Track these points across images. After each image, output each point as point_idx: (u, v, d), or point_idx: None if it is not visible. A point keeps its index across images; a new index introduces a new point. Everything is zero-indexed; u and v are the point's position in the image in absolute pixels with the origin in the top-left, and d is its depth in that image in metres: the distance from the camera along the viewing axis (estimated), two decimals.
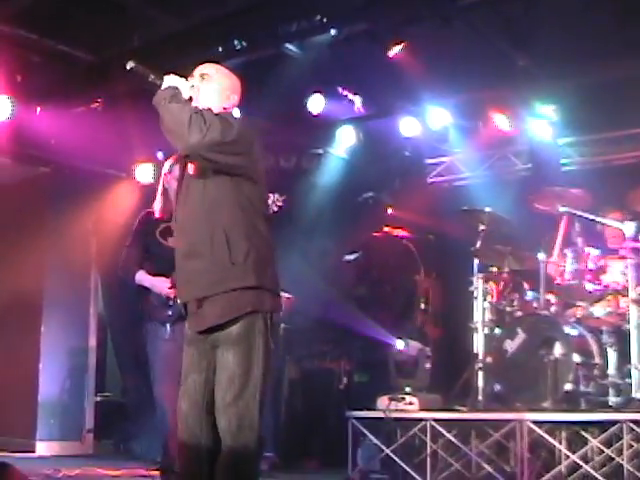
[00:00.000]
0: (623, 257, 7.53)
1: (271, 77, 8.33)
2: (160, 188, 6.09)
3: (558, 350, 7.30)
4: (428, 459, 7.44)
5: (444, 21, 7.41)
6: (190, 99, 4.17)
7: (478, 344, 8.09)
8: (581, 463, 6.75)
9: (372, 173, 10.85)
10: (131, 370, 10.62)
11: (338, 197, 10.59)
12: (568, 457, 6.83)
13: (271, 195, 6.06)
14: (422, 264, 10.07)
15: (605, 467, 6.80)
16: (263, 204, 4.32)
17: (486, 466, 7.17)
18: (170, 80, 4.17)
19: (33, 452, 9.50)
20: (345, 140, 10.33)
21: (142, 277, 6.27)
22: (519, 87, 8.92)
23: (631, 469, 6.43)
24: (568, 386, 7.24)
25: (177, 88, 4.13)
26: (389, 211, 10.78)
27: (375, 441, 7.73)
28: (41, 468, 7.65)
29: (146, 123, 8.58)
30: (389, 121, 9.93)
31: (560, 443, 6.94)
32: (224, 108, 4.31)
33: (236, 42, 7.88)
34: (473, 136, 10.01)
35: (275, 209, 6.01)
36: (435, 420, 7.46)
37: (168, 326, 6.15)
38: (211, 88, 4.29)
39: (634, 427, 6.45)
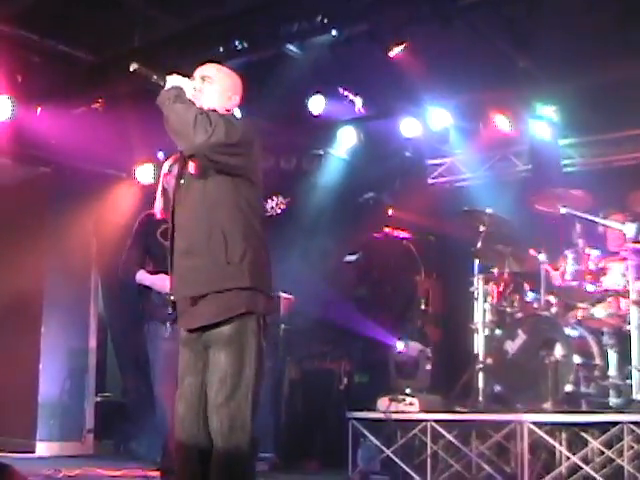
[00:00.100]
0: (624, 259, 7.52)
1: (272, 77, 8.33)
2: (160, 189, 6.10)
3: (559, 351, 7.30)
4: (428, 460, 7.44)
5: (445, 22, 7.40)
6: (192, 101, 4.17)
7: (478, 345, 8.09)
8: (581, 464, 6.74)
9: (373, 174, 10.84)
10: (131, 370, 10.62)
11: (339, 198, 10.59)
12: (568, 458, 6.83)
13: (274, 197, 6.06)
14: (423, 265, 10.07)
15: (605, 468, 6.78)
16: (260, 205, 4.32)
17: (486, 467, 7.17)
18: (173, 80, 4.18)
19: (33, 452, 9.50)
20: (346, 141, 10.33)
21: (142, 276, 6.26)
22: (520, 88, 8.91)
23: (632, 470, 6.43)
24: (568, 387, 7.24)
25: (181, 88, 4.14)
26: (390, 212, 10.78)
27: (375, 442, 7.73)
28: (41, 468, 7.65)
29: (146, 123, 8.62)
30: (390, 122, 9.93)
31: (560, 444, 6.94)
32: (226, 109, 4.32)
33: (237, 42, 7.87)
34: (474, 137, 10.00)
35: (278, 211, 6.00)
36: (435, 421, 7.46)
37: (168, 325, 6.13)
38: (213, 90, 4.30)
39: (635, 428, 6.45)
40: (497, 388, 7.83)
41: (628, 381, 7.26)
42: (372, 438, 7.75)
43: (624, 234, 7.62)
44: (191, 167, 4.24)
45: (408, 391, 8.05)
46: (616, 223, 7.71)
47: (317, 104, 9.24)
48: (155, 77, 4.21)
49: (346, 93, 9.30)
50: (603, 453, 6.75)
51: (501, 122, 9.47)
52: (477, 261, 8.28)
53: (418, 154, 10.87)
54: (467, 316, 8.28)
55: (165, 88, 4.15)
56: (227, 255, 4.05)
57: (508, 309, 8.10)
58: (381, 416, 7.79)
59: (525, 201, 8.64)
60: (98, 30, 8.09)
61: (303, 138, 10.53)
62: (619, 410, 7.07)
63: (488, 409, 7.67)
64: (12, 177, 10.24)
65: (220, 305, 4.07)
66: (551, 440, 6.90)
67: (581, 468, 6.75)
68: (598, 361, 7.51)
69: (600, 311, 7.59)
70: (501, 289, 8.21)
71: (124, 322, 10.58)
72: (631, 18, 7.45)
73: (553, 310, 7.83)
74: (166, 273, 6.00)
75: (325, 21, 7.64)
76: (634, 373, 7.11)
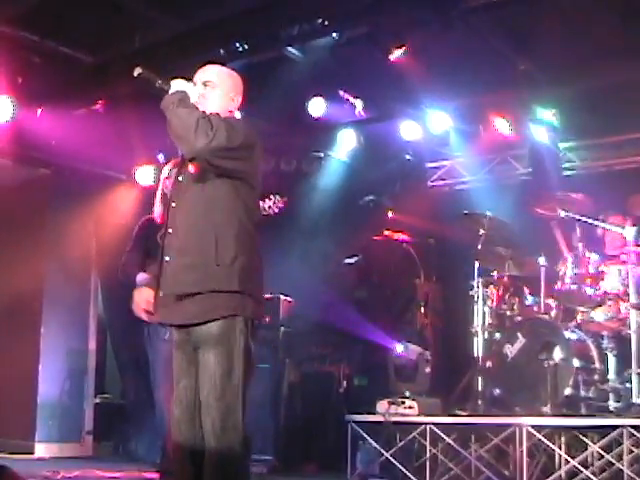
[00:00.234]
0: (623, 262, 7.52)
1: (272, 80, 8.33)
2: (159, 193, 6.10)
3: (558, 355, 7.30)
4: (427, 463, 7.44)
5: (445, 25, 7.41)
6: (196, 106, 4.18)
7: (478, 348, 8.10)
8: (581, 468, 6.74)
9: (373, 176, 10.84)
10: (131, 372, 10.61)
11: (339, 200, 10.59)
12: (568, 462, 6.82)
13: (271, 197, 6.05)
14: (422, 268, 10.06)
15: (605, 472, 6.78)
16: (257, 210, 4.32)
17: (485, 470, 7.17)
18: (177, 85, 4.18)
19: (32, 454, 9.48)
20: (346, 143, 10.34)
21: (143, 278, 6.27)
22: (520, 91, 8.92)
23: (631, 474, 6.43)
24: (568, 391, 7.24)
25: (185, 92, 4.14)
26: (389, 215, 10.76)
27: (374, 445, 7.73)
28: (40, 470, 7.64)
29: (147, 125, 8.61)
30: (390, 125, 9.93)
31: (560, 448, 6.94)
32: (229, 111, 4.33)
33: (237, 44, 7.88)
34: (474, 140, 10.00)
35: (276, 210, 6.00)
36: (434, 424, 7.46)
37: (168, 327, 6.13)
38: (216, 94, 4.32)
39: (634, 432, 6.45)
40: (496, 391, 7.82)
41: (627, 385, 7.25)
42: (371, 441, 7.75)
43: (623, 237, 7.63)
44: (191, 168, 4.25)
45: (407, 394, 8.05)
46: (616, 227, 7.71)
47: (317, 106, 9.25)
48: (159, 82, 4.21)
49: (346, 96, 9.31)
50: (602, 457, 6.75)
51: (501, 125, 9.47)
52: (477, 264, 8.29)
53: (418, 157, 10.87)
54: (467, 319, 8.28)
55: (169, 93, 4.15)
56: (217, 257, 4.05)
57: (508, 312, 8.11)
58: (380, 419, 7.79)
59: (525, 204, 8.65)
60: (99, 32, 8.10)
61: (303, 140, 10.53)
62: (618, 414, 7.07)
63: (487, 412, 7.67)
64: (12, 178, 10.23)
65: (205, 306, 4.07)
66: (550, 444, 6.90)
67: (580, 472, 6.74)
68: (597, 365, 7.51)
69: (600, 315, 7.58)
70: (501, 292, 8.22)
71: (124, 324, 10.56)
72: (631, 21, 7.46)
73: (553, 313, 7.84)
74: None
75: (325, 24, 7.64)
76: (634, 377, 7.11)
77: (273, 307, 9.22)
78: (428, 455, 7.45)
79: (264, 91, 8.17)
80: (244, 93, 4.47)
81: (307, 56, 8.25)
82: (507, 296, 8.20)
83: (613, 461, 6.64)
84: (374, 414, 7.90)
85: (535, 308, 7.98)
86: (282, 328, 9.34)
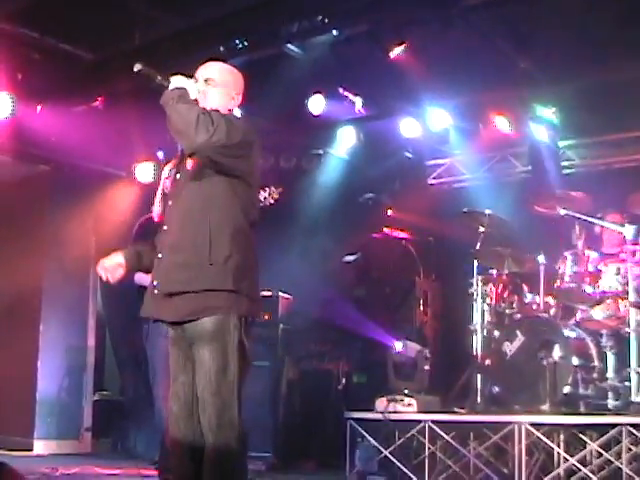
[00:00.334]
0: (623, 260, 7.52)
1: (272, 77, 8.32)
2: (159, 193, 6.09)
3: (557, 353, 7.30)
4: (426, 461, 7.44)
5: (445, 22, 7.41)
6: (196, 101, 4.17)
7: (477, 346, 8.10)
8: (579, 466, 6.74)
9: (372, 174, 10.84)
10: (129, 369, 10.62)
11: (338, 198, 10.58)
12: (566, 460, 6.82)
13: (267, 188, 6.05)
14: (421, 266, 10.07)
15: (603, 470, 6.79)
16: (253, 208, 4.29)
17: (484, 468, 7.18)
18: (177, 81, 4.18)
19: (31, 451, 9.49)
20: (345, 141, 10.33)
21: (141, 277, 6.26)
22: (520, 89, 8.92)
23: (630, 473, 6.43)
24: (567, 389, 7.24)
25: (185, 89, 4.14)
26: (389, 212, 10.78)
27: (373, 442, 7.73)
28: (39, 467, 7.65)
29: (146, 122, 8.62)
30: (389, 122, 9.92)
31: (558, 446, 6.93)
32: (228, 110, 4.32)
33: (237, 42, 7.87)
34: (473, 138, 10.00)
35: (271, 201, 6.00)
36: (433, 422, 7.46)
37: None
38: (216, 92, 4.31)
39: (633, 430, 6.45)
40: (495, 389, 7.83)
41: (626, 383, 7.26)
42: (370, 438, 7.75)
43: (620, 236, 7.63)
44: (189, 163, 4.24)
45: (406, 392, 8.05)
46: (615, 225, 7.71)
47: (317, 104, 9.24)
48: (159, 78, 4.21)
49: (346, 93, 9.30)
50: (601, 455, 6.76)
51: (501, 123, 9.47)
52: (476, 262, 8.29)
53: (418, 155, 10.88)
54: (466, 317, 8.29)
55: (169, 89, 4.15)
56: (211, 256, 4.04)
57: (507, 310, 8.11)
58: (379, 416, 7.79)
59: (525, 203, 8.65)
60: (99, 28, 8.08)
61: (303, 138, 10.53)
62: (617, 412, 7.07)
63: (486, 410, 7.68)
64: (12, 175, 10.23)
65: (198, 304, 4.06)
66: (549, 442, 6.90)
67: (579, 470, 6.75)
68: (597, 363, 7.51)
69: (599, 313, 7.59)
70: (500, 290, 8.22)
71: (123, 320, 10.58)
72: (631, 19, 7.45)
73: (552, 311, 7.85)
74: None
75: (326, 21, 7.64)
76: (632, 375, 7.11)
77: (272, 304, 9.22)
78: (427, 453, 7.45)
79: (264, 88, 8.16)
80: (245, 90, 4.46)
81: (307, 53, 8.25)
82: (506, 294, 8.20)
83: (612, 459, 6.64)
84: (373, 411, 7.90)
85: (534, 306, 7.99)
86: (281, 325, 9.34)
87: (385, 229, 10.49)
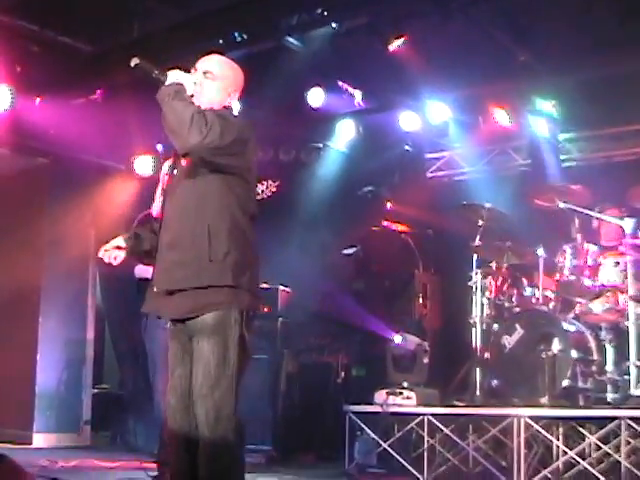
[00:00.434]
0: (621, 254, 7.52)
1: (271, 70, 8.31)
2: (159, 189, 6.08)
3: (556, 346, 7.30)
4: (425, 454, 7.44)
5: (444, 15, 7.39)
6: (192, 95, 4.15)
7: (476, 339, 8.09)
8: (578, 459, 6.74)
9: (371, 167, 10.83)
10: (129, 362, 10.62)
11: (337, 191, 10.58)
12: (565, 453, 6.82)
13: (264, 182, 6.05)
14: (421, 259, 10.07)
15: (602, 464, 6.78)
16: (251, 203, 4.28)
17: (483, 461, 7.17)
18: (174, 76, 4.14)
19: (30, 444, 9.50)
20: (345, 134, 10.33)
21: (141, 270, 6.27)
22: (519, 82, 8.91)
23: (628, 466, 6.43)
24: (566, 382, 7.24)
25: (181, 84, 4.11)
26: (388, 205, 10.77)
27: (372, 435, 7.73)
28: (38, 460, 7.65)
29: (146, 115, 8.59)
30: (389, 115, 9.92)
31: (557, 439, 6.93)
32: (224, 106, 4.30)
33: (236, 34, 7.86)
34: (473, 131, 10.00)
35: (269, 194, 6.00)
36: (432, 415, 7.46)
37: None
38: (214, 87, 4.27)
39: (632, 424, 6.44)
40: (494, 382, 7.83)
41: (626, 376, 7.26)
42: (369, 431, 7.75)
43: (620, 229, 7.63)
44: (184, 161, 4.23)
45: (405, 385, 8.05)
46: (615, 218, 7.71)
47: (316, 97, 9.24)
48: (156, 72, 4.18)
49: (345, 86, 9.30)
50: (600, 448, 6.75)
51: (500, 116, 9.46)
52: (475, 255, 8.28)
53: (417, 148, 10.87)
54: (465, 310, 8.28)
55: (166, 84, 4.12)
56: (210, 252, 4.04)
57: (506, 303, 8.11)
58: (378, 410, 7.79)
59: (524, 196, 8.64)
60: (97, 21, 8.08)
61: (302, 131, 10.52)
62: (616, 405, 7.08)
63: (485, 403, 7.67)
64: (10, 168, 10.22)
65: (199, 300, 4.06)
66: (548, 435, 6.90)
67: (578, 463, 6.75)
68: (596, 356, 7.51)
69: (598, 306, 7.58)
70: (499, 283, 8.21)
71: (122, 313, 10.58)
72: (631, 11, 7.44)
73: (551, 305, 7.85)
74: None
75: (325, 13, 7.63)
76: (632, 368, 7.12)
77: (271, 297, 9.23)
78: (426, 446, 7.45)
79: (263, 81, 8.16)
80: (244, 84, 4.44)
81: (306, 46, 8.23)
82: (505, 287, 8.19)
83: (611, 452, 6.64)
84: (372, 405, 7.91)
85: (533, 299, 7.99)
86: (280, 319, 9.35)
87: (384, 222, 10.49)
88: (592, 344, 7.54)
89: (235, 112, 4.44)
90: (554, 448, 6.96)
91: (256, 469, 7.69)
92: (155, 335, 6.39)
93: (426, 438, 7.45)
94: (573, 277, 7.73)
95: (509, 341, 7.67)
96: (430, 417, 7.45)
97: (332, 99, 9.35)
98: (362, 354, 9.67)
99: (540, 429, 6.87)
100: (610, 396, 7.35)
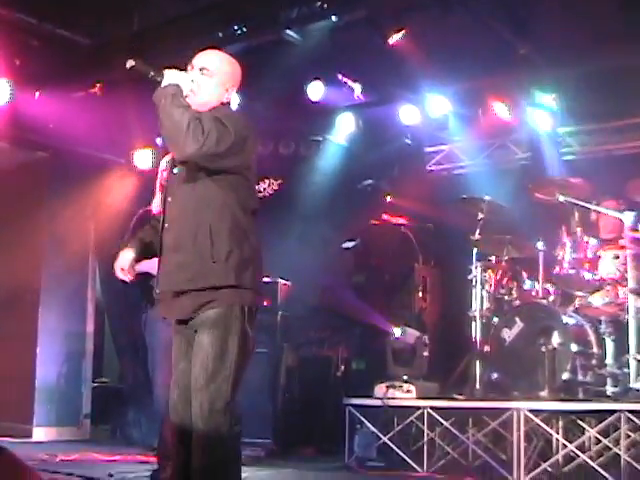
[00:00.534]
0: (621, 247, 7.52)
1: (271, 63, 8.30)
2: (158, 185, 6.08)
3: (556, 339, 7.30)
4: (425, 447, 7.45)
5: (444, 8, 7.38)
6: (190, 94, 4.13)
7: (476, 333, 8.09)
8: (578, 453, 6.75)
9: (371, 161, 10.82)
10: (129, 355, 10.62)
11: (337, 184, 10.58)
12: (565, 446, 6.83)
13: (266, 180, 6.04)
14: (421, 252, 10.07)
15: (602, 457, 6.79)
16: (252, 199, 4.27)
17: (483, 454, 7.18)
18: (170, 76, 4.10)
19: (30, 437, 9.51)
20: (344, 127, 10.32)
21: (141, 265, 6.26)
22: (519, 75, 8.90)
23: (628, 459, 6.44)
24: (566, 375, 7.24)
25: (178, 85, 4.07)
26: (388, 199, 10.75)
27: (372, 429, 7.74)
28: (38, 453, 7.66)
29: (145, 108, 8.55)
30: (389, 109, 9.91)
31: (557, 432, 6.94)
32: (222, 103, 4.28)
33: (236, 27, 7.85)
34: (473, 124, 9.98)
35: (270, 192, 5.99)
36: (432, 408, 7.47)
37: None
38: (212, 83, 4.23)
39: (631, 417, 6.45)
40: (494, 376, 7.83)
41: (625, 370, 7.27)
42: (369, 425, 7.76)
43: (618, 222, 7.63)
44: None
45: (405, 378, 8.05)
46: (615, 211, 7.70)
47: (316, 90, 9.22)
48: (152, 73, 4.15)
49: (345, 79, 9.28)
50: (600, 442, 6.76)
51: (500, 110, 9.45)
52: (475, 249, 8.28)
53: (417, 141, 10.86)
54: (465, 304, 8.27)
55: (162, 85, 4.08)
56: (213, 253, 4.04)
57: (506, 297, 8.11)
58: (378, 403, 7.80)
59: (524, 189, 8.63)
60: (97, 14, 8.06)
61: (302, 124, 10.51)
62: (616, 399, 7.08)
63: (485, 396, 7.68)
64: (10, 161, 10.22)
65: (202, 300, 4.07)
66: (548, 428, 6.90)
67: (578, 456, 6.76)
68: (595, 349, 7.51)
69: (598, 299, 7.58)
70: (499, 277, 8.21)
71: (122, 307, 10.58)
72: (632, 4, 7.43)
73: (551, 298, 7.85)
74: None
75: (325, 7, 7.61)
76: (631, 362, 7.12)
77: (271, 291, 9.22)
78: (425, 439, 7.46)
79: (263, 74, 8.15)
80: (243, 77, 4.41)
81: (306, 39, 8.21)
82: (505, 280, 8.20)
83: (610, 446, 6.65)
84: (372, 398, 7.91)
85: (533, 293, 7.99)
86: (280, 312, 9.34)
87: (384, 216, 10.47)
88: (592, 337, 7.54)
89: (234, 106, 4.42)
90: (554, 441, 6.97)
91: (256, 463, 7.71)
92: (155, 329, 6.38)
93: (426, 431, 7.46)
94: (573, 270, 7.72)
95: (509, 334, 7.67)
96: (430, 410, 7.46)
97: (332, 92, 9.34)
98: (362, 347, 9.67)
99: (540, 422, 6.88)
100: (610, 389, 7.36)
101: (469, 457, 7.37)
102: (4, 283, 9.97)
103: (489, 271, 8.23)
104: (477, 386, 7.87)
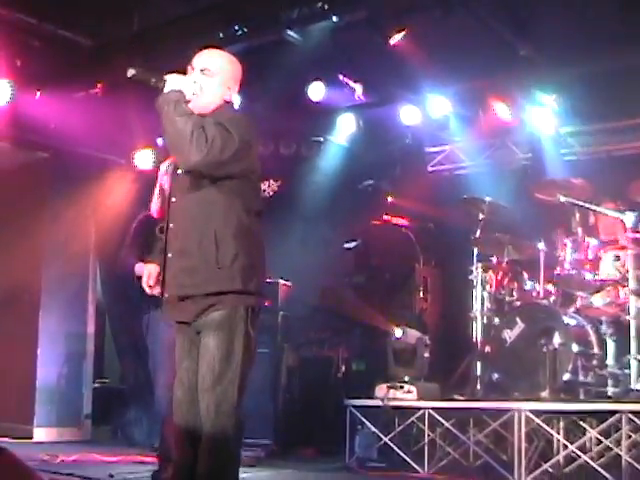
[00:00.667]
0: (622, 248, 7.52)
1: (272, 64, 8.30)
2: (157, 188, 6.07)
3: (557, 340, 7.30)
4: (426, 448, 7.45)
5: (445, 9, 7.38)
6: (193, 95, 4.12)
7: (477, 333, 8.09)
8: (579, 453, 6.75)
9: (372, 161, 10.83)
10: (130, 356, 10.62)
11: (338, 185, 10.58)
12: (566, 447, 6.83)
13: (266, 181, 6.04)
14: (421, 252, 10.06)
15: (603, 457, 6.80)
16: (257, 202, 4.27)
17: (484, 455, 7.18)
18: (172, 82, 4.10)
19: (31, 438, 9.51)
20: (345, 128, 10.32)
21: (141, 268, 6.26)
22: (520, 76, 8.89)
23: (629, 460, 6.43)
24: (566, 376, 7.24)
25: (180, 91, 4.06)
26: (389, 199, 10.75)
27: (373, 429, 7.74)
28: (38, 454, 7.65)
29: (146, 109, 8.56)
30: (389, 109, 9.91)
31: (558, 433, 6.94)
32: (225, 100, 4.28)
33: (237, 28, 7.84)
34: (473, 125, 9.97)
35: (271, 193, 5.99)
36: (433, 409, 7.47)
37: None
38: (213, 83, 4.23)
39: (633, 417, 6.45)
40: (495, 376, 7.83)
41: (626, 370, 7.27)
42: (370, 425, 7.76)
43: (618, 223, 7.63)
44: None
45: (406, 379, 8.05)
46: (616, 212, 7.70)
47: (317, 91, 9.22)
48: (154, 80, 4.14)
49: (346, 80, 9.28)
50: (601, 442, 6.76)
51: (501, 110, 9.44)
52: (476, 249, 8.28)
53: (418, 142, 10.85)
54: (466, 304, 8.28)
55: (164, 91, 4.08)
56: (218, 258, 4.04)
57: (507, 297, 8.11)
58: (379, 404, 7.80)
59: (525, 190, 8.63)
60: (98, 14, 8.06)
61: (303, 124, 10.51)
62: (617, 399, 7.08)
63: (486, 397, 7.68)
64: (10, 162, 10.22)
65: (208, 304, 4.08)
66: (548, 429, 6.90)
67: (579, 457, 6.76)
68: (596, 350, 7.51)
69: (599, 300, 7.58)
70: (500, 277, 8.21)
71: (122, 308, 10.58)
72: (632, 4, 7.42)
73: (552, 299, 7.85)
74: None
75: (325, 7, 7.61)
76: (632, 362, 7.12)
77: (272, 291, 9.21)
78: (426, 440, 7.46)
79: (264, 75, 8.16)
80: (244, 77, 4.41)
81: (307, 40, 8.21)
82: (506, 281, 8.20)
83: (611, 446, 6.65)
84: (373, 399, 7.91)
85: (534, 293, 7.99)
86: (281, 312, 9.34)
87: (385, 216, 10.48)
88: (593, 338, 7.55)
89: (236, 106, 4.42)
90: (555, 442, 6.98)
91: (256, 463, 7.70)
92: (157, 330, 6.38)
93: (427, 432, 7.46)
94: (574, 271, 7.73)
95: (510, 335, 7.67)
96: (431, 411, 7.46)
97: (333, 93, 9.34)
98: (362, 348, 9.66)
99: (541, 423, 6.88)
100: (611, 390, 7.36)
101: (470, 458, 7.37)
102: (4, 284, 9.96)
103: (490, 271, 8.24)
104: (478, 387, 7.88)
